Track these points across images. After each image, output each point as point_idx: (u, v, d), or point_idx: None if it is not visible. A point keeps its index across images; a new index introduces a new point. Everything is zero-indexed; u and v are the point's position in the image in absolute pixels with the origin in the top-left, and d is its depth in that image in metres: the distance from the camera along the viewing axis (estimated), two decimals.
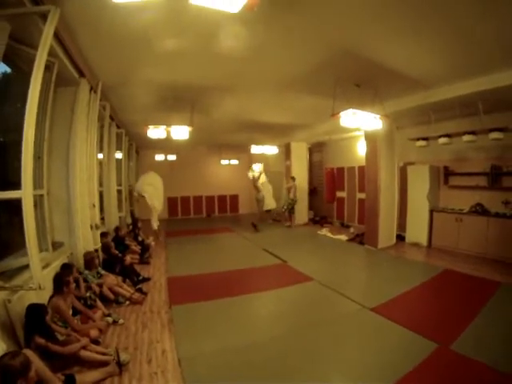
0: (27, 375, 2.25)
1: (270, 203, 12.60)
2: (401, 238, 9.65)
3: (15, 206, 3.11)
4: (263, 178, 12.51)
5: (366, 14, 3.69)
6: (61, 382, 2.69)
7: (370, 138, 8.82)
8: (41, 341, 3.00)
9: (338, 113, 5.76)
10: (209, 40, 4.23)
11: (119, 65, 5.24)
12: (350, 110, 5.68)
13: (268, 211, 12.91)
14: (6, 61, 3.76)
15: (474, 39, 4.18)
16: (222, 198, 17.45)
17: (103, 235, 6.38)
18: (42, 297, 3.53)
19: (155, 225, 10.32)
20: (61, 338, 3.31)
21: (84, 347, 3.32)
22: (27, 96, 3.07)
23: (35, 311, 3.16)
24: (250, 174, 12.42)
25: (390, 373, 3.17)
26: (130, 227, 9.61)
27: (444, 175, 9.11)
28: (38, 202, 4.38)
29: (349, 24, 3.95)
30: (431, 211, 8.99)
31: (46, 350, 2.99)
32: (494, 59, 4.83)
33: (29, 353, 2.54)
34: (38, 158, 4.30)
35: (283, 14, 3.64)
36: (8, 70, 4.07)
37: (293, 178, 13.31)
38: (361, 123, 6.02)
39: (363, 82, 5.95)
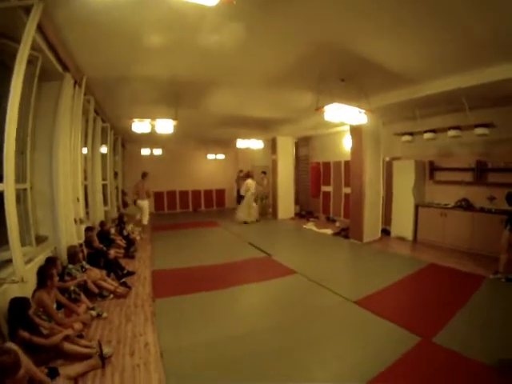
0: (16, 375, 2.25)
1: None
2: (386, 232, 9.77)
3: None
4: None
5: (350, 8, 3.71)
6: (44, 375, 2.70)
7: (356, 132, 8.85)
8: (24, 334, 3.00)
9: (323, 107, 5.80)
10: (192, 34, 4.24)
11: (103, 59, 5.20)
12: (335, 105, 5.72)
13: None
14: None
15: (460, 35, 4.23)
16: (208, 193, 17.41)
17: (89, 229, 6.35)
18: (26, 291, 3.53)
19: (145, 220, 10.90)
20: (45, 331, 3.31)
21: (67, 338, 3.32)
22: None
23: (18, 304, 3.16)
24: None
25: (371, 366, 3.23)
26: (116, 221, 9.57)
27: (429, 170, 9.21)
28: (22, 196, 4.34)
29: (332, 18, 3.96)
30: (417, 206, 9.10)
31: (29, 343, 2.99)
32: (479, 56, 4.91)
33: (14, 347, 2.55)
34: (21, 152, 4.26)
35: (265, 8, 3.66)
36: None
37: (264, 173, 13.97)
38: (345, 117, 6.06)
39: (348, 77, 5.97)
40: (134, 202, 11.10)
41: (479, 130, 6.88)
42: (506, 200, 5.98)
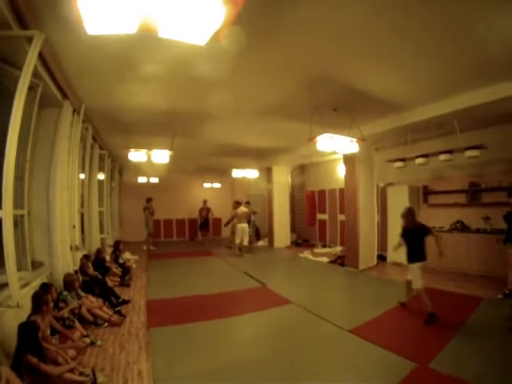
0: None
1: None
2: (382, 258, 9.79)
3: None
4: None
5: (340, 43, 3.91)
6: None
7: (349, 160, 9.00)
8: (33, 360, 2.98)
9: (315, 137, 5.92)
10: (186, 68, 4.45)
11: (101, 89, 5.38)
12: (327, 135, 5.84)
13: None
14: None
15: (446, 61, 4.38)
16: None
17: (84, 257, 6.36)
18: (21, 315, 3.51)
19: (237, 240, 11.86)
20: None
21: (71, 370, 3.30)
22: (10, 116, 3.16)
23: (27, 329, 3.17)
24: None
25: None
26: (112, 249, 9.56)
27: (423, 194, 9.38)
28: (19, 222, 4.37)
29: (324, 52, 4.17)
30: None
31: (35, 369, 2.98)
32: (466, 80, 5.07)
33: (5, 370, 2.55)
34: (19, 178, 4.32)
35: (257, 43, 3.84)
36: None
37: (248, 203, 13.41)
38: (337, 147, 6.18)
39: (340, 107, 6.12)
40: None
41: (470, 153, 6.92)
42: (505, 219, 6.03)
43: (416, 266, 5.33)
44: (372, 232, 9.34)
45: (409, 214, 5.56)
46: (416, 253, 5.37)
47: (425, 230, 5.37)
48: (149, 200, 13.60)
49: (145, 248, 13.23)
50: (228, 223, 13.12)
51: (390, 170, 9.42)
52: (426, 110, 6.26)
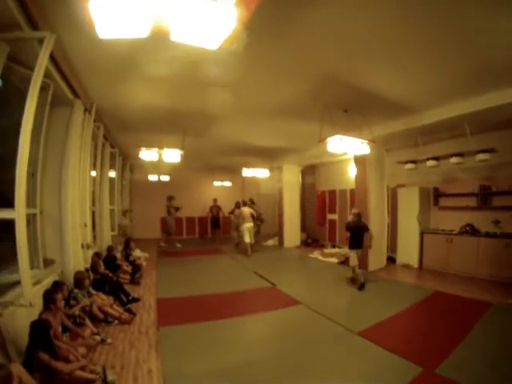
0: None
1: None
2: (392, 260, 9.72)
3: (7, 221, 3.18)
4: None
5: (347, 45, 3.93)
6: None
7: (360, 161, 8.98)
8: (45, 357, 3.01)
9: (326, 138, 5.91)
10: (195, 69, 4.44)
11: (112, 88, 5.40)
12: (337, 136, 5.83)
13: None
14: (4, 80, 3.88)
15: (456, 64, 4.39)
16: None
17: (96, 255, 6.40)
18: (33, 313, 3.55)
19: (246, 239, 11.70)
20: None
21: (82, 368, 3.34)
22: (23, 115, 3.20)
23: (40, 327, 3.19)
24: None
25: None
26: (123, 246, 9.62)
27: (434, 197, 9.30)
28: (32, 221, 4.45)
29: (334, 54, 4.18)
30: (422, 233, 9.10)
31: (47, 366, 3.02)
32: (477, 83, 5.04)
33: (17, 367, 2.58)
34: (31, 175, 4.39)
35: (267, 45, 3.87)
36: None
37: (253, 203, 13.75)
38: (348, 148, 6.17)
39: (350, 108, 6.13)
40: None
41: (480, 156, 6.90)
42: None
43: (355, 251, 7.35)
44: (382, 233, 9.27)
45: (359, 216, 7.44)
46: (357, 242, 7.28)
47: (365, 228, 7.38)
48: (171, 198, 14.02)
49: (162, 244, 13.78)
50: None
51: (401, 171, 9.38)
52: (436, 113, 6.25)
